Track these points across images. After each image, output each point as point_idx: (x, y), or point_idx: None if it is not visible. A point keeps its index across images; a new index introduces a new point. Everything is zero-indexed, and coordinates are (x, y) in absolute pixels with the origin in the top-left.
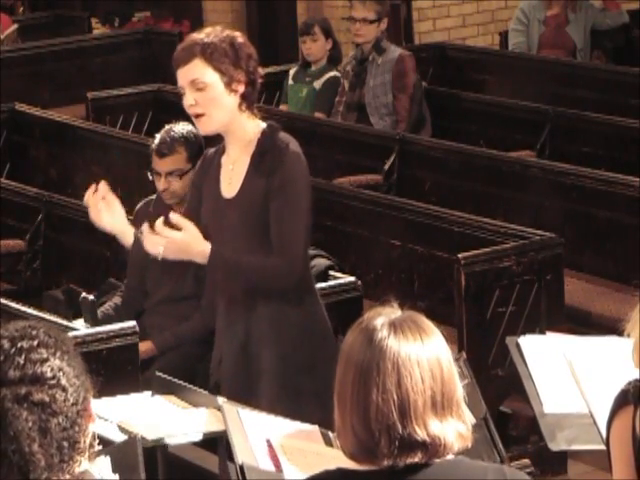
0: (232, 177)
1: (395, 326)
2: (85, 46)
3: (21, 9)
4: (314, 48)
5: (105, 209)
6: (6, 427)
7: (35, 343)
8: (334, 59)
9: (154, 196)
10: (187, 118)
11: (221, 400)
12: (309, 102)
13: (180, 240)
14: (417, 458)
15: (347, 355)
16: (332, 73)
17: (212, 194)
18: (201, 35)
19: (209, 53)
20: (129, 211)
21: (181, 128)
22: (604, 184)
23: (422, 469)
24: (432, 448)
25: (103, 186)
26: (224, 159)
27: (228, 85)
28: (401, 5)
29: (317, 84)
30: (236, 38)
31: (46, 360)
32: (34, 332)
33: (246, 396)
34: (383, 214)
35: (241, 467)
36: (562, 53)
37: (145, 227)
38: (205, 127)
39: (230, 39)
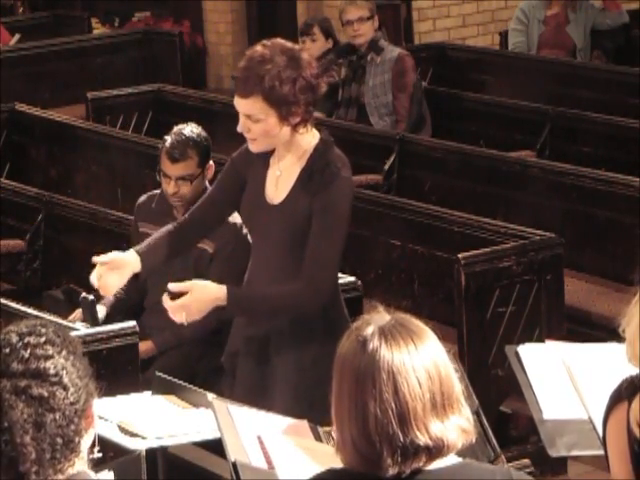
0: (278, 184)
1: (385, 334)
2: (85, 46)
3: (21, 9)
4: (313, 49)
5: (109, 273)
6: (1, 417)
7: (42, 340)
8: None
9: (157, 191)
10: (187, 118)
11: (211, 396)
12: None
13: (191, 302)
14: (422, 462)
15: (341, 368)
16: None
17: (255, 191)
18: (267, 65)
19: (270, 93)
20: (129, 210)
21: (191, 131)
22: (604, 184)
23: (431, 472)
24: (436, 450)
25: (100, 260)
26: (273, 160)
27: (284, 119)
28: (401, 5)
29: None
30: (301, 70)
31: (51, 357)
32: (43, 330)
33: (259, 393)
34: (383, 214)
35: (234, 465)
36: (562, 53)
37: (166, 299)
38: (256, 149)
39: (294, 76)
